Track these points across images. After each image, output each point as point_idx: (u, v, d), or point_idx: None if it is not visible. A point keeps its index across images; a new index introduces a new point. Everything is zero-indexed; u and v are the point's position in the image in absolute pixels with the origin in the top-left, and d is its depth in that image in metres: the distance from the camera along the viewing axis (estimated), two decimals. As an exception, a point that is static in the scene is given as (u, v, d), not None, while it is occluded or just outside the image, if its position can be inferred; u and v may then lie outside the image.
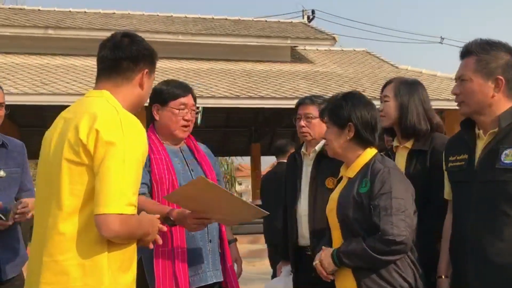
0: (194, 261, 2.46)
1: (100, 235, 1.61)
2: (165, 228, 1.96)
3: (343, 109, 2.20)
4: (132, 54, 1.82)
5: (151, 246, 1.86)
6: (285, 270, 2.87)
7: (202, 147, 2.76)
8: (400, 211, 2.01)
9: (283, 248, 3.01)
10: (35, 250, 1.72)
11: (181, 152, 2.63)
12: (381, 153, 2.34)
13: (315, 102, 2.86)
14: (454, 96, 2.09)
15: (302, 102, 2.94)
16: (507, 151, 1.91)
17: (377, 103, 2.60)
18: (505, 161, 1.90)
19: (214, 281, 2.52)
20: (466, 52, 2.05)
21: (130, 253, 1.75)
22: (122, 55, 1.81)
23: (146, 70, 1.85)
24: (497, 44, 2.03)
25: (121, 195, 1.58)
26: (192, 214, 2.27)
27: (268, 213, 2.38)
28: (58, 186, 1.65)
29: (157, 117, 2.61)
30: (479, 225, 1.96)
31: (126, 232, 1.63)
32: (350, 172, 2.21)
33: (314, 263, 2.18)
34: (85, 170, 1.63)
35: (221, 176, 2.84)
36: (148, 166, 2.46)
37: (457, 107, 2.10)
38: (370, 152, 2.21)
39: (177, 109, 2.57)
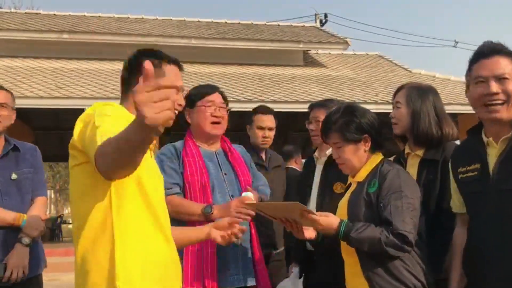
0: (223, 262, 2.47)
1: (111, 240, 1.61)
2: (245, 228, 2.00)
3: (355, 124, 2.19)
4: (127, 65, 1.87)
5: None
6: (296, 270, 2.87)
7: (237, 148, 2.81)
8: (410, 210, 2.02)
9: (296, 250, 3.02)
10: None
11: (216, 156, 2.67)
12: (392, 158, 2.34)
13: (328, 106, 2.86)
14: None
15: (315, 106, 2.96)
16: None
17: (390, 107, 2.60)
18: None
19: (243, 285, 2.51)
20: (497, 51, 1.92)
21: (153, 257, 1.68)
22: (123, 68, 1.89)
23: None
24: None
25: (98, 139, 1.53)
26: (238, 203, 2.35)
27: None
28: (71, 194, 1.71)
29: (189, 120, 2.69)
30: (498, 236, 1.88)
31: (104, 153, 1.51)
32: (358, 177, 2.22)
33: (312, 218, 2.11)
34: (83, 169, 1.64)
35: (262, 178, 2.87)
36: (181, 167, 2.52)
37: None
38: (378, 157, 2.24)
39: (204, 106, 2.62)
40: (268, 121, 3.72)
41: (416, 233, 2.04)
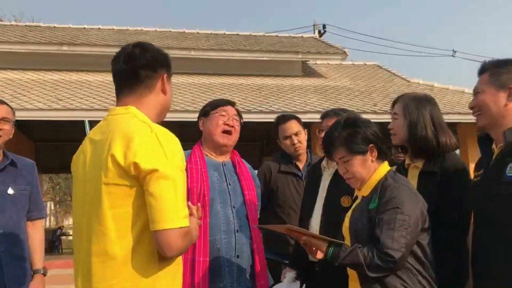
0: (216, 274, 2.46)
1: (150, 254, 1.61)
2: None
3: (360, 135, 2.17)
4: (148, 62, 1.79)
5: None
6: (289, 276, 2.85)
7: (246, 164, 2.84)
8: (403, 227, 1.97)
9: (292, 257, 3.02)
10: (81, 278, 1.67)
11: (223, 166, 2.70)
12: (393, 167, 2.32)
13: (339, 115, 2.87)
14: (467, 109, 2.16)
15: (326, 115, 2.96)
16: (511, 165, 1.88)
17: (389, 117, 2.60)
18: (510, 174, 1.88)
19: None
20: (482, 70, 2.12)
21: (177, 266, 1.74)
22: (139, 65, 1.78)
23: (165, 75, 1.83)
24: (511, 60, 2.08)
25: (177, 209, 1.59)
26: None
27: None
28: (100, 211, 1.61)
29: (202, 128, 2.77)
30: (491, 241, 1.94)
31: (188, 245, 1.68)
32: (364, 190, 2.19)
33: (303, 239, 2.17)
34: (127, 192, 1.60)
35: (259, 199, 2.88)
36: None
37: (469, 121, 2.18)
38: (384, 168, 2.20)
39: (218, 113, 2.71)
40: (290, 128, 3.63)
41: (408, 251, 1.99)
